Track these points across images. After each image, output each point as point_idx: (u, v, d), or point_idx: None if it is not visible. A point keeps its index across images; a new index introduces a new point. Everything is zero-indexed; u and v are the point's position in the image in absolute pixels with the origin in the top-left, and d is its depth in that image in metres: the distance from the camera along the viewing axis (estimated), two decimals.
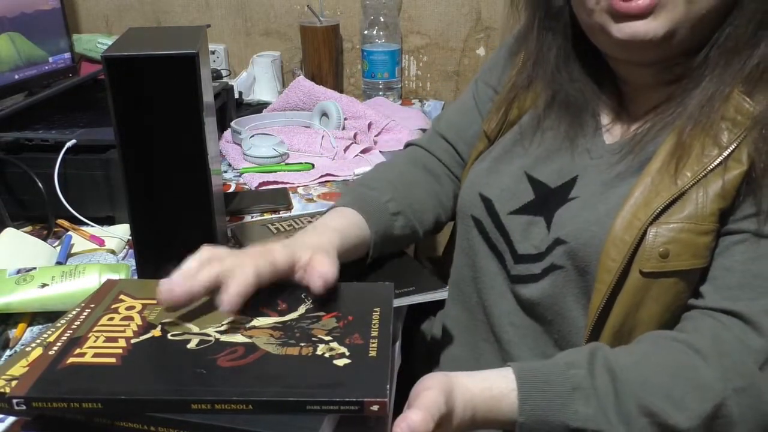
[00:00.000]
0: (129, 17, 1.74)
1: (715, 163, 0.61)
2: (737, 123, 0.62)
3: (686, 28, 0.62)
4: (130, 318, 0.56)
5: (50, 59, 1.28)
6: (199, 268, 0.55)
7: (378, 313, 0.57)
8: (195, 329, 0.55)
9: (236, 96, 1.41)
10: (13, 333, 0.70)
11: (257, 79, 1.60)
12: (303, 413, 0.46)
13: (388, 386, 0.47)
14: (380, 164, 0.89)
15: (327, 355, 0.51)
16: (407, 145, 0.92)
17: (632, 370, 0.58)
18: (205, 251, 0.57)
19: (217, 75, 1.48)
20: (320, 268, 0.58)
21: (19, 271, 0.72)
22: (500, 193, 0.75)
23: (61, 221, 0.92)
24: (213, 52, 1.69)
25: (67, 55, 1.33)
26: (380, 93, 1.61)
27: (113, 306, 0.58)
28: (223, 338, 0.53)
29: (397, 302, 0.64)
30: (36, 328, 0.72)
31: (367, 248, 0.73)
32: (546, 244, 0.70)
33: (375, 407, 0.46)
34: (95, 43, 1.58)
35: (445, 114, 0.91)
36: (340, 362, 0.50)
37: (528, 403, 0.56)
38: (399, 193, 0.78)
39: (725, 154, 0.61)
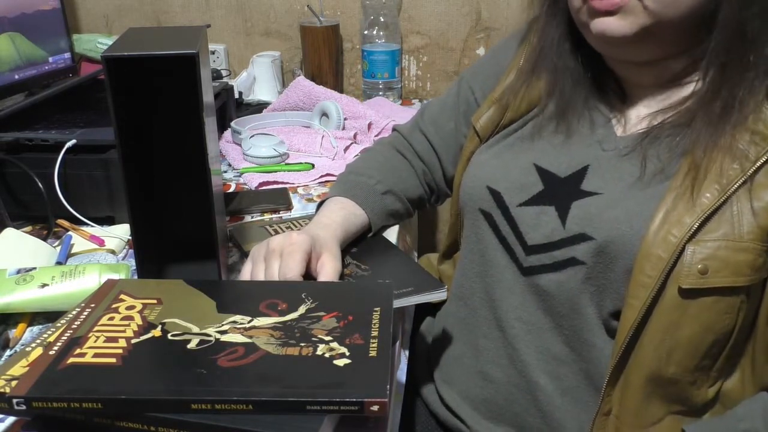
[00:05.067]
0: (129, 17, 1.74)
1: (742, 180, 0.61)
2: (765, 136, 0.61)
3: (660, 30, 0.64)
4: (131, 318, 0.56)
5: (50, 59, 1.28)
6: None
7: (378, 313, 0.57)
8: (195, 329, 0.55)
9: (236, 96, 1.41)
10: (13, 333, 0.70)
11: (257, 79, 1.59)
12: (303, 413, 0.46)
13: (388, 386, 0.47)
14: (366, 151, 0.97)
15: (327, 355, 0.51)
16: (394, 128, 0.98)
17: None
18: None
19: (217, 75, 1.48)
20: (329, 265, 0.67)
21: (19, 271, 0.72)
22: (509, 186, 0.76)
23: (61, 221, 0.92)
24: (213, 52, 1.69)
25: (67, 55, 1.33)
26: (380, 93, 1.61)
27: (113, 306, 0.58)
28: (223, 338, 0.53)
29: (396, 303, 0.64)
30: (36, 328, 0.72)
31: (367, 227, 0.83)
32: (560, 234, 0.70)
33: (375, 407, 0.46)
34: (95, 43, 1.58)
35: (429, 108, 0.94)
36: (340, 362, 0.50)
37: None
38: (384, 175, 0.88)
39: (753, 168, 0.61)
